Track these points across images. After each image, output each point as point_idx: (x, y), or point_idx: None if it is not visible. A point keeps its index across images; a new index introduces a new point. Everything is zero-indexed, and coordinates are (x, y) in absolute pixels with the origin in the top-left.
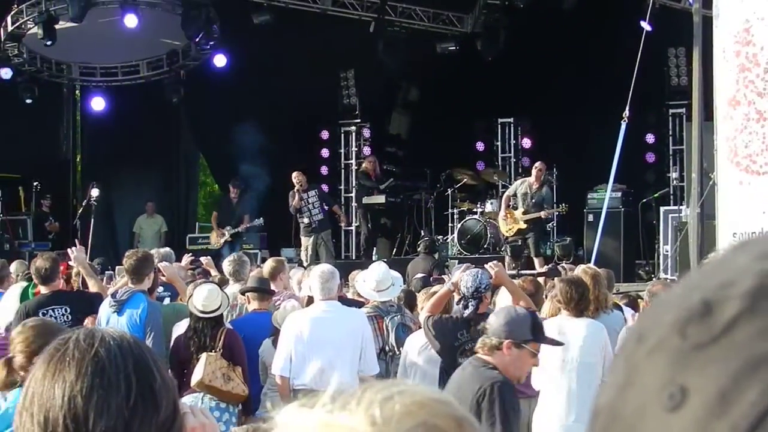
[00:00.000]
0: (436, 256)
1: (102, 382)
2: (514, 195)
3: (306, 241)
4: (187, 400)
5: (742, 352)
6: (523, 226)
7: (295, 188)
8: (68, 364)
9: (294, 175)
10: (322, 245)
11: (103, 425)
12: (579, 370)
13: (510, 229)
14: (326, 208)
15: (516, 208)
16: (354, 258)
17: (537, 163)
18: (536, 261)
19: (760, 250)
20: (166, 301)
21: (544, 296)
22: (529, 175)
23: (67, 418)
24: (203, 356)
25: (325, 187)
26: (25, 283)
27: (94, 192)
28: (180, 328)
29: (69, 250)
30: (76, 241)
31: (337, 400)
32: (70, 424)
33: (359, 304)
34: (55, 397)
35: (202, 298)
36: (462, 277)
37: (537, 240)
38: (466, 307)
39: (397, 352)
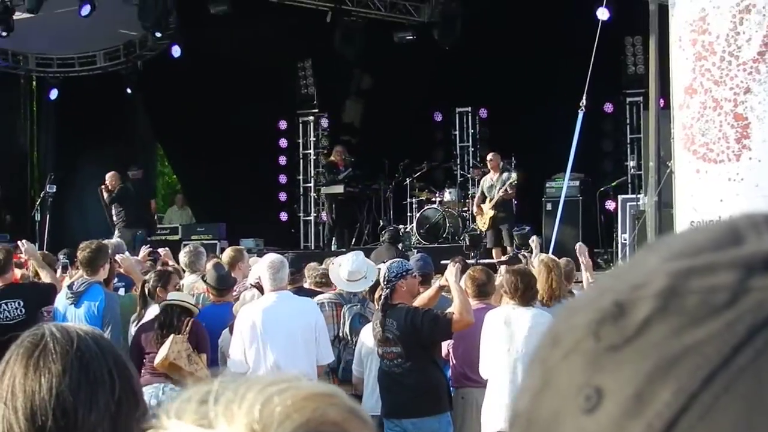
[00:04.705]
0: (400, 246)
1: (88, 378)
2: (482, 193)
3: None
4: (147, 390)
5: (656, 352)
6: (492, 212)
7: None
8: (52, 358)
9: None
10: None
11: (92, 420)
12: (524, 360)
13: (485, 223)
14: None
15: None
16: (313, 248)
17: (489, 155)
18: (494, 251)
19: (670, 251)
20: (121, 291)
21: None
22: (486, 168)
23: (57, 412)
24: (170, 337)
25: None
26: None
27: (51, 188)
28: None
29: (19, 242)
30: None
31: (219, 401)
32: (60, 419)
33: (315, 294)
34: (41, 392)
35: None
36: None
37: (510, 229)
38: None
39: (350, 341)
